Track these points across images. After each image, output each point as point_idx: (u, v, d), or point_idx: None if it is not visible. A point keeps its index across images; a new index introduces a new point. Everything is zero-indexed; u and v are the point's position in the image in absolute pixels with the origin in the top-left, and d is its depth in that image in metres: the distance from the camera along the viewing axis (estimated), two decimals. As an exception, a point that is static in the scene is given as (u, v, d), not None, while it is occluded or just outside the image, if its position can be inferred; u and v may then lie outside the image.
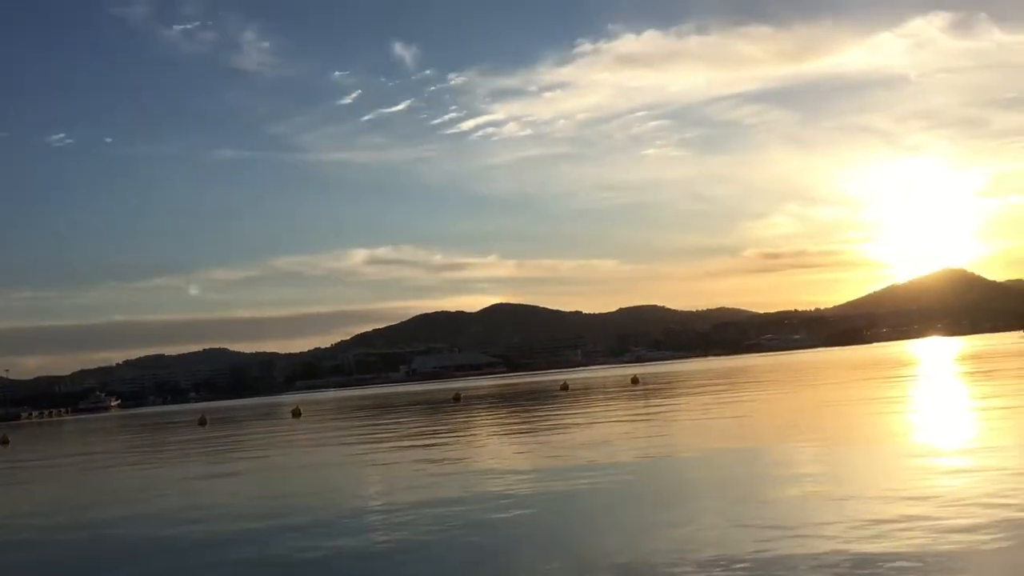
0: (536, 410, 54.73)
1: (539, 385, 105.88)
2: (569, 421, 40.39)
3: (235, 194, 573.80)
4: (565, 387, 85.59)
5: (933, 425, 26.12)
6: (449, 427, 44.97)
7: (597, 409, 49.20)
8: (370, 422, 57.99)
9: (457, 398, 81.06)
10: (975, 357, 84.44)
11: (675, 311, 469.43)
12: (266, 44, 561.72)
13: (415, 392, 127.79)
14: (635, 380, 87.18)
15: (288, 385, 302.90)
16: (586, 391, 77.75)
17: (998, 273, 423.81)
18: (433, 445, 33.57)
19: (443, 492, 18.88)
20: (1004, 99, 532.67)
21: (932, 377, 55.93)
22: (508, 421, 47.14)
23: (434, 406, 73.90)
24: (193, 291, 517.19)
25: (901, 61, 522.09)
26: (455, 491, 18.86)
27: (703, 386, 69.81)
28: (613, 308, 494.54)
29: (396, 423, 53.94)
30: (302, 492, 21.90)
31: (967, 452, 18.86)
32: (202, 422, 74.95)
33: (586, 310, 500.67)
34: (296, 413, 75.78)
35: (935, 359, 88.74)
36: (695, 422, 34.30)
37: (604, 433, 32.10)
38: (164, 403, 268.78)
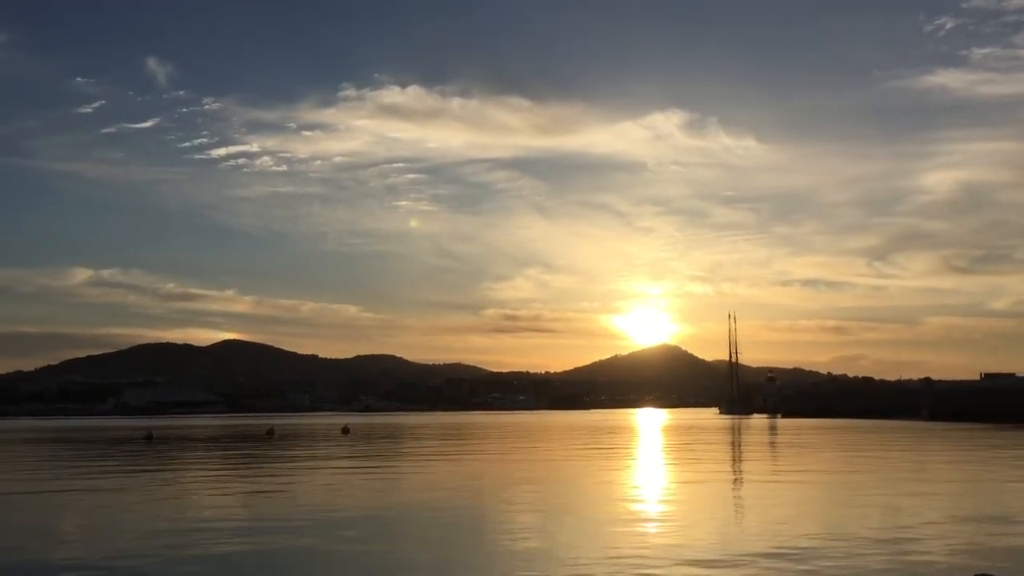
0: (209, 459, 51.97)
1: (247, 429, 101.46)
2: (209, 473, 38.54)
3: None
4: (271, 432, 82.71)
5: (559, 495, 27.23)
6: (99, 469, 41.50)
7: (261, 462, 47.44)
8: (11, 454, 52.56)
9: (149, 437, 76.01)
10: (669, 428, 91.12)
11: (412, 363, 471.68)
12: (1, 36, 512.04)
13: (112, 427, 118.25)
14: (345, 430, 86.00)
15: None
16: (291, 438, 75.36)
17: (707, 352, 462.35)
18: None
19: None
20: (724, 196, 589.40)
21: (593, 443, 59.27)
22: (170, 467, 44.26)
23: (117, 445, 68.53)
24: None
25: (641, 150, 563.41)
26: None
27: (401, 441, 70.12)
28: (350, 355, 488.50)
29: (49, 460, 49.19)
30: None
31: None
32: None
33: (322, 354, 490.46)
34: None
35: (632, 428, 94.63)
36: (333, 479, 33.72)
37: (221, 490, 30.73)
38: None
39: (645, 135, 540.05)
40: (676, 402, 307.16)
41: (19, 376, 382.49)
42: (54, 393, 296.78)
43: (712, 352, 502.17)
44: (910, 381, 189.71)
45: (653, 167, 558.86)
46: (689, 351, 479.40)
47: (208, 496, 27.95)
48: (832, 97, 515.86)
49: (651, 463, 42.22)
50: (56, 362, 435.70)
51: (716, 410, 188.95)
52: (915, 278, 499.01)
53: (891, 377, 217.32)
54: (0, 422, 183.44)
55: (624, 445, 59.83)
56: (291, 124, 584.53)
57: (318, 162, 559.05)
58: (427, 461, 44.72)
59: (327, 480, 33.33)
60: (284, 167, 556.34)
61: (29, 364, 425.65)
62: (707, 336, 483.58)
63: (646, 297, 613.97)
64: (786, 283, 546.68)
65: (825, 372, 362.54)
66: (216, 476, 36.99)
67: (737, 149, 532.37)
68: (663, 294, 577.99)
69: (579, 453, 50.41)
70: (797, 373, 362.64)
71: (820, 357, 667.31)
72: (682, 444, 60.95)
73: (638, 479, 33.12)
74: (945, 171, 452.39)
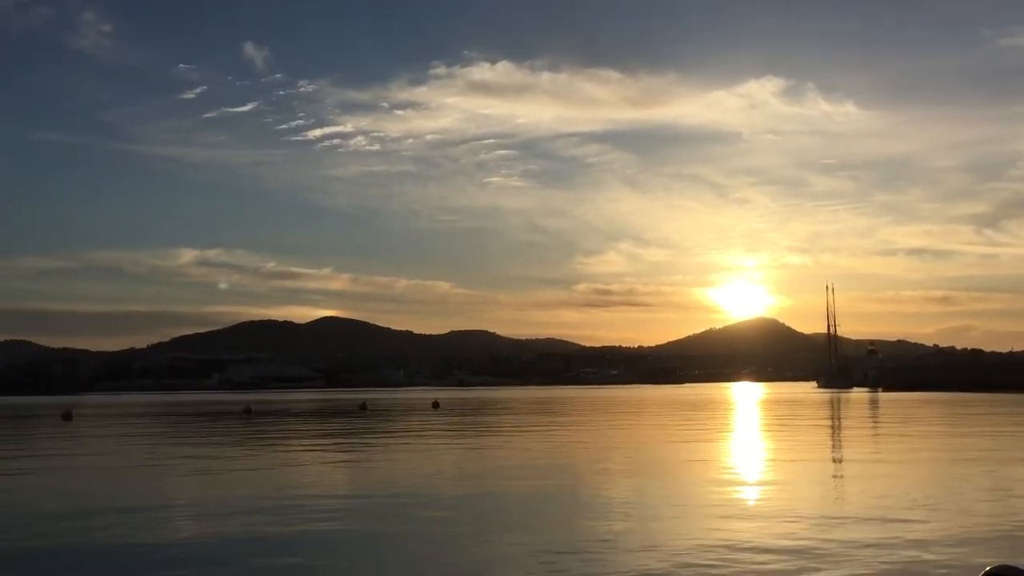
0: (303, 432, 52.96)
1: (341, 404, 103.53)
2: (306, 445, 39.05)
3: (57, 179, 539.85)
4: (364, 407, 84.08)
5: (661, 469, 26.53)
6: (207, 440, 42.63)
7: (352, 435, 48.04)
8: (123, 430, 54.55)
9: (248, 411, 78.13)
10: (765, 402, 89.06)
11: (504, 338, 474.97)
12: (107, 27, 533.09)
13: (215, 401, 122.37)
14: (435, 404, 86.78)
15: (91, 385, 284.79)
16: (383, 412, 76.48)
17: (805, 325, 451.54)
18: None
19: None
20: (824, 164, 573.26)
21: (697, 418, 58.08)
22: (263, 441, 45.17)
23: (219, 418, 70.69)
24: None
25: (735, 119, 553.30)
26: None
27: (494, 415, 70.30)
28: (444, 330, 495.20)
29: (157, 432, 50.88)
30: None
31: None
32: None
33: (416, 330, 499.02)
34: (67, 416, 70.59)
35: (728, 402, 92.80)
36: (408, 456, 33.70)
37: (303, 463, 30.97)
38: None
39: (739, 104, 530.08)
40: (772, 376, 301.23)
41: (132, 353, 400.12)
42: (163, 369, 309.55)
43: (810, 325, 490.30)
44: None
45: (748, 136, 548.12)
46: (786, 324, 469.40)
47: (297, 467, 28.23)
48: (937, 58, 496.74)
49: (748, 439, 41.05)
50: (166, 339, 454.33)
51: (814, 384, 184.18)
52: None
53: (1002, 349, 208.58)
54: (114, 396, 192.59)
55: (719, 420, 58.53)
56: (383, 104, 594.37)
57: (410, 140, 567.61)
58: (516, 435, 44.52)
59: (413, 453, 33.42)
60: (377, 146, 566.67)
61: (141, 341, 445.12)
62: (805, 308, 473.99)
63: (741, 269, 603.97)
64: (889, 253, 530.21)
65: (931, 344, 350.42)
66: (308, 447, 37.51)
67: (836, 115, 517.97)
68: (759, 266, 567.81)
69: (673, 428, 49.46)
70: (901, 346, 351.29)
71: (926, 329, 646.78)
72: (778, 419, 59.27)
73: (736, 456, 32.13)
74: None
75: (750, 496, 20.36)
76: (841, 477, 24.22)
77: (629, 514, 17.41)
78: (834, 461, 28.77)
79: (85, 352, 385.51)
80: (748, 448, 35.38)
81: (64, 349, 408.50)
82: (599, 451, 33.23)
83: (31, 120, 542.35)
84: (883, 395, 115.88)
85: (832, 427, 49.12)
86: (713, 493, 20.32)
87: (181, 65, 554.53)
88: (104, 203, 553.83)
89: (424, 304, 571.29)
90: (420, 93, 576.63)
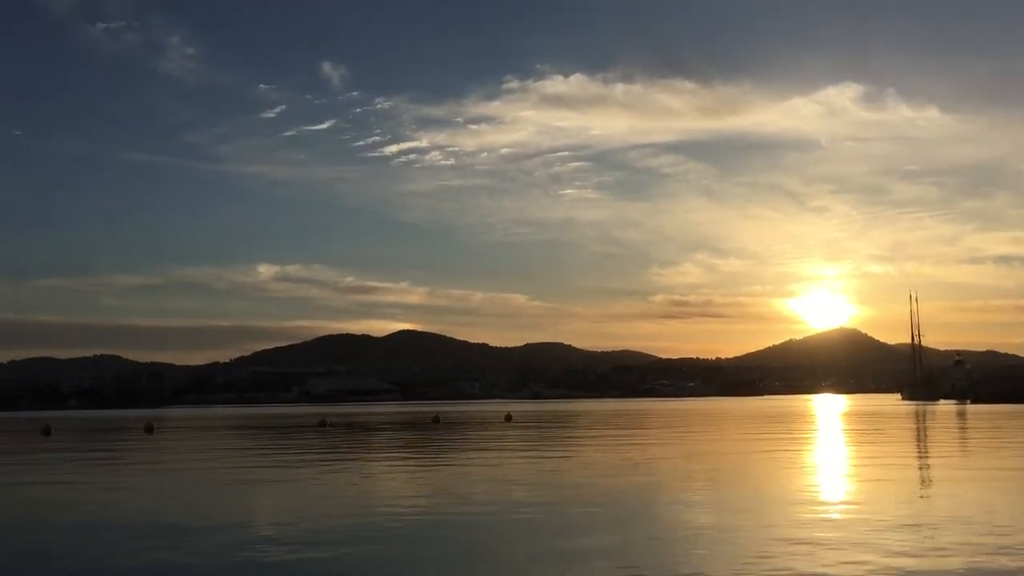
0: (374, 444, 53.12)
1: (415, 416, 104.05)
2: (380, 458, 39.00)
3: (144, 199, 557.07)
4: (436, 420, 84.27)
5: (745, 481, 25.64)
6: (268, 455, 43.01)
7: (422, 448, 47.86)
8: (200, 443, 55.50)
9: (323, 424, 79.06)
10: (847, 415, 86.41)
11: (580, 350, 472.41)
12: (191, 50, 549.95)
13: (293, 414, 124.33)
14: (508, 417, 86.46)
15: (176, 398, 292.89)
16: (455, 425, 76.54)
17: (889, 335, 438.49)
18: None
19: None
20: (905, 170, 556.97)
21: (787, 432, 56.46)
22: (340, 455, 45.38)
23: (296, 431, 71.67)
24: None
25: (813, 126, 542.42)
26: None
27: (566, 427, 69.64)
28: (519, 343, 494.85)
29: (233, 445, 51.64)
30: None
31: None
32: (46, 432, 71.12)
33: (492, 343, 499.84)
34: (149, 429, 72.45)
35: (809, 414, 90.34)
36: (472, 471, 33.25)
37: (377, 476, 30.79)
38: (40, 408, 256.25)
39: (817, 111, 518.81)
40: (855, 387, 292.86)
41: (216, 367, 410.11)
42: (245, 382, 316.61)
43: (894, 335, 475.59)
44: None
45: (827, 144, 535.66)
46: (869, 334, 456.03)
47: (374, 479, 28.14)
48: (1021, 59, 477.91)
49: (832, 454, 39.60)
50: (248, 353, 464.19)
51: (898, 396, 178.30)
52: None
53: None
54: (197, 409, 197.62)
55: (801, 433, 56.80)
56: (458, 119, 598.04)
57: (484, 154, 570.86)
58: (584, 447, 43.83)
59: (483, 467, 33.07)
60: (452, 161, 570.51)
61: (224, 355, 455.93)
62: (888, 318, 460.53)
63: (821, 279, 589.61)
64: (977, 260, 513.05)
65: (1023, 355, 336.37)
66: (378, 459, 37.50)
67: (918, 120, 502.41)
68: (840, 275, 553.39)
69: (752, 442, 48.12)
70: (990, 356, 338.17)
71: (1017, 339, 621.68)
72: (862, 432, 57.23)
73: (822, 472, 30.95)
74: None
75: (832, 516, 19.42)
76: (927, 497, 22.99)
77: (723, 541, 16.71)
78: (921, 479, 27.43)
79: (171, 366, 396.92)
80: (833, 464, 34.06)
81: (151, 363, 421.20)
82: (668, 465, 32.35)
83: (121, 141, 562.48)
84: (971, 407, 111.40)
85: (917, 440, 47.15)
86: (798, 514, 19.43)
87: (262, 85, 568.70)
88: (189, 221, 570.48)
89: (499, 317, 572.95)
90: (494, 107, 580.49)
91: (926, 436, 51.72)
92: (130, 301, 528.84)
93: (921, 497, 22.58)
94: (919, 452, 38.84)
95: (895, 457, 35.94)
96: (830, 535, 16.11)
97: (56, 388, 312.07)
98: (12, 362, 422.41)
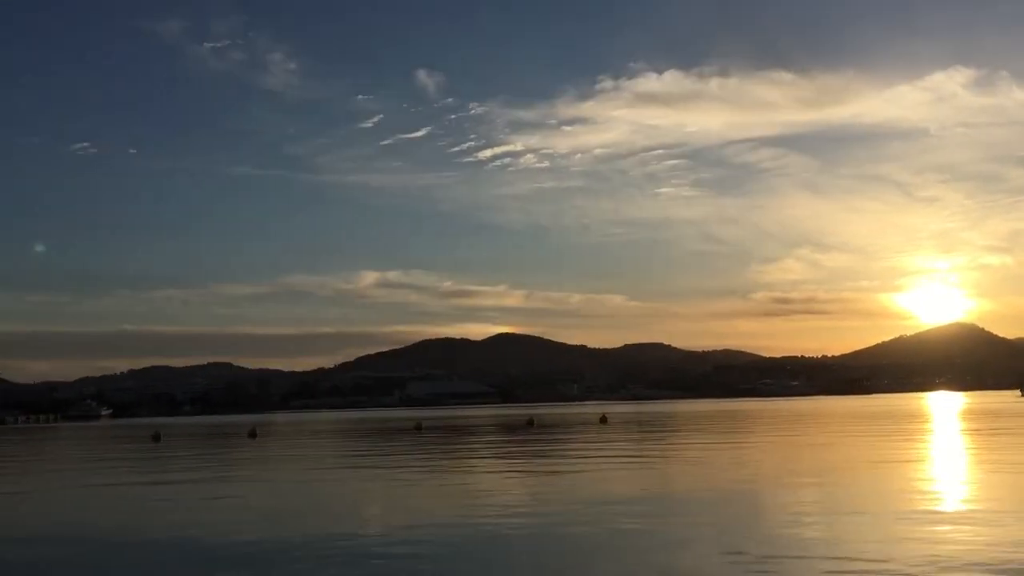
0: (468, 447, 53.19)
1: (511, 419, 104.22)
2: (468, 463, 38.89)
3: (250, 211, 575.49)
4: (531, 422, 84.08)
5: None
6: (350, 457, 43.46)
7: (511, 450, 47.59)
8: (296, 448, 56.60)
9: (419, 427, 79.88)
10: (961, 413, 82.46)
11: (680, 350, 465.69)
12: (293, 65, 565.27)
13: (392, 418, 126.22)
14: (603, 419, 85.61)
15: (283, 403, 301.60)
16: (549, 427, 76.22)
17: (1008, 330, 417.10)
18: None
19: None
20: (1021, 156, 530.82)
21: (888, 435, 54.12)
22: (427, 459, 45.59)
23: (391, 434, 72.64)
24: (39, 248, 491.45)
25: (920, 114, 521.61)
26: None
27: (656, 431, 68.53)
28: (618, 344, 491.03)
29: (328, 450, 52.52)
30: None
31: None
32: (156, 438, 74.07)
33: (591, 344, 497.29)
34: (252, 434, 74.59)
35: (921, 413, 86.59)
36: (541, 481, 32.69)
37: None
38: (157, 415, 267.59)
39: (925, 98, 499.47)
40: (971, 384, 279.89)
41: (320, 373, 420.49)
42: (348, 387, 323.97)
43: (1015, 329, 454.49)
44: None
45: (936, 131, 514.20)
46: (987, 329, 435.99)
47: (438, 484, 28.07)
48: None
49: (945, 456, 37.66)
50: (351, 359, 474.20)
51: (1017, 393, 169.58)
52: None
53: None
54: (303, 414, 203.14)
55: (909, 433, 54.32)
56: (551, 121, 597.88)
57: (578, 155, 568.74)
58: (674, 452, 42.88)
59: (563, 471, 32.64)
60: (547, 163, 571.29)
61: (329, 361, 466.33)
62: (1008, 312, 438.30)
63: (933, 272, 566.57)
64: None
65: None
66: (467, 462, 37.44)
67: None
68: (953, 268, 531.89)
69: (853, 446, 46.24)
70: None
71: None
72: (970, 432, 54.34)
73: (937, 476, 29.41)
74: None
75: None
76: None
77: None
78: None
79: (279, 372, 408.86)
80: (944, 472, 32.35)
81: (260, 370, 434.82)
82: (748, 472, 31.25)
83: (227, 156, 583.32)
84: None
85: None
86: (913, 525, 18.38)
87: (359, 96, 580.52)
88: (294, 232, 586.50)
89: (598, 318, 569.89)
90: (587, 108, 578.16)
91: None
92: (240, 310, 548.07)
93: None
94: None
95: (997, 454, 33.90)
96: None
97: (172, 395, 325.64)
98: (132, 371, 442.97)
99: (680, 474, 29.79)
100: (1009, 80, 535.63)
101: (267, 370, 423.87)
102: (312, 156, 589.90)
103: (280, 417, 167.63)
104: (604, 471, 31.92)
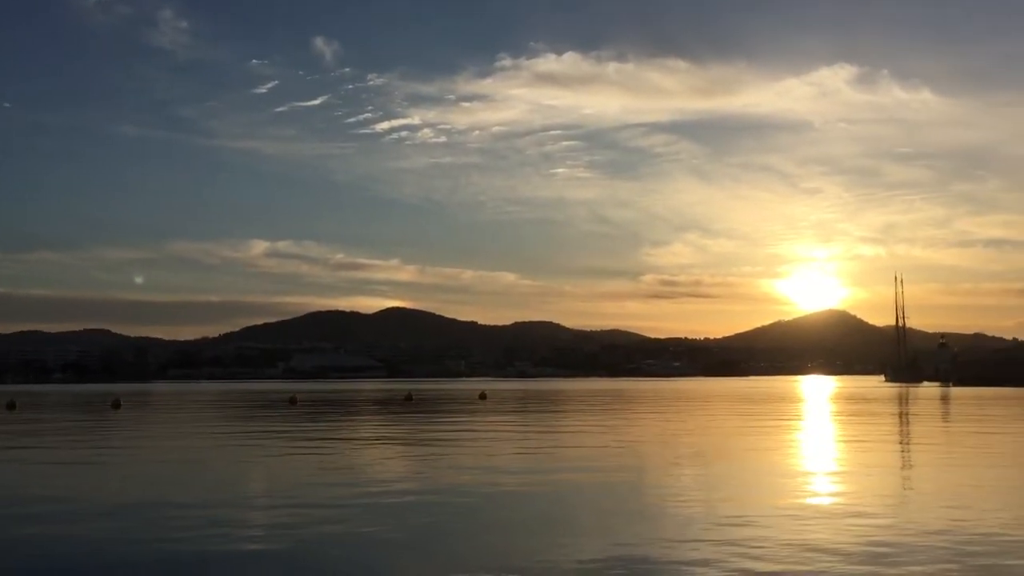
0: (337, 421, 52.27)
1: (391, 393, 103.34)
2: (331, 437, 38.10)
3: (135, 172, 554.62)
4: (409, 398, 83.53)
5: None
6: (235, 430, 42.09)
7: (383, 425, 46.97)
8: (164, 425, 54.64)
9: (293, 401, 78.27)
10: (823, 397, 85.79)
11: (569, 329, 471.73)
12: (184, 24, 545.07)
13: (272, 391, 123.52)
14: (483, 396, 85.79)
15: (161, 373, 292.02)
16: (427, 403, 75.80)
17: (877, 318, 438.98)
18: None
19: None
20: (898, 153, 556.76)
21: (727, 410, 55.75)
22: (301, 432, 44.49)
23: (262, 408, 70.91)
24: (138, 280, 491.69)
25: (806, 108, 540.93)
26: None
27: (534, 407, 68.95)
28: (508, 321, 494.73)
29: (187, 422, 50.74)
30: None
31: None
32: (11, 406, 70.19)
33: (482, 321, 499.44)
34: (116, 405, 71.58)
35: (783, 396, 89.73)
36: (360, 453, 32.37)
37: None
38: (25, 382, 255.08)
39: (810, 92, 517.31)
40: (841, 369, 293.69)
41: (205, 342, 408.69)
42: (231, 358, 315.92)
43: (884, 318, 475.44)
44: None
45: (819, 125, 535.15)
46: (858, 316, 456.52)
47: (284, 458, 27.25)
48: (1015, 43, 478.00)
49: (789, 439, 38.79)
50: (237, 329, 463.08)
51: (882, 378, 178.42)
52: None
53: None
54: (180, 385, 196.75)
55: (764, 413, 56.04)
56: (450, 96, 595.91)
57: (476, 132, 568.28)
58: (542, 431, 43.06)
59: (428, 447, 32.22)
60: (444, 138, 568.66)
61: (214, 331, 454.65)
62: (878, 301, 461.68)
63: (812, 261, 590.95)
64: (967, 244, 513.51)
65: (1010, 338, 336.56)
66: (328, 437, 36.54)
67: (912, 103, 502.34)
68: (831, 257, 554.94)
69: (708, 425, 47.37)
70: (979, 339, 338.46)
71: (1005, 322, 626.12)
72: (832, 414, 56.47)
73: (800, 462, 30.10)
74: None
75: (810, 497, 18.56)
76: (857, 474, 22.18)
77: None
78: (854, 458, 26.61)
79: (159, 341, 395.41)
80: (781, 451, 33.26)
81: (140, 338, 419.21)
82: (591, 455, 31.48)
83: (111, 114, 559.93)
84: (954, 390, 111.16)
85: (871, 423, 46.43)
86: (775, 496, 18.58)
87: (254, 60, 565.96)
88: (180, 196, 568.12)
89: (490, 295, 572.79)
90: (486, 85, 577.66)
91: (898, 418, 51.06)
92: (121, 275, 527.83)
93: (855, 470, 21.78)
94: (865, 432, 38.06)
95: (840, 438, 35.20)
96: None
97: (43, 362, 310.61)
98: (1, 335, 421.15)
99: (526, 453, 29.73)
100: (889, 79, 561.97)
101: (147, 338, 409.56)
102: (202, 119, 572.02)
103: (157, 387, 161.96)
104: (457, 450, 31.62)
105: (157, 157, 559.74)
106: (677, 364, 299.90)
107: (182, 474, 24.59)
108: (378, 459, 28.44)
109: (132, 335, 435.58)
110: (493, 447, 32.38)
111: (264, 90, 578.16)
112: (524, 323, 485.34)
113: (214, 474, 24.31)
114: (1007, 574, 11.83)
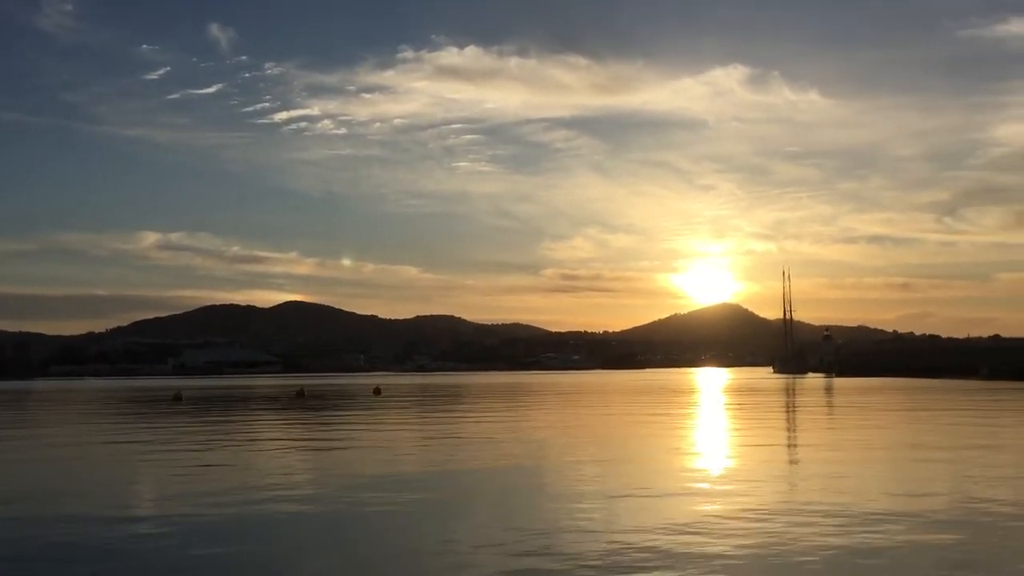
0: (220, 419, 50.66)
1: (283, 389, 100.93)
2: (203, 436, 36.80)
3: (18, 159, 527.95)
4: (301, 393, 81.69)
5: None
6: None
7: (272, 423, 45.76)
8: (24, 427, 51.96)
9: (178, 398, 75.54)
10: (710, 388, 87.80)
11: (471, 323, 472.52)
12: (69, 6, 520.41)
13: (157, 387, 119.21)
14: (377, 391, 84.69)
15: (44, 370, 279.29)
16: (319, 399, 74.27)
17: (769, 311, 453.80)
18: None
19: None
20: (788, 152, 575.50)
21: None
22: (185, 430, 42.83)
23: (143, 405, 68.22)
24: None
25: (701, 106, 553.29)
26: None
27: (424, 403, 68.46)
28: (410, 315, 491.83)
29: (56, 421, 48.34)
30: None
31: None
32: None
33: (382, 315, 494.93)
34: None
35: (671, 388, 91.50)
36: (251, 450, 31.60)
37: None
38: None
39: (705, 91, 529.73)
40: (733, 361, 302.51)
41: (91, 337, 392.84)
42: (119, 354, 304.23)
43: (774, 311, 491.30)
44: (979, 339, 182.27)
45: (714, 124, 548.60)
46: (750, 310, 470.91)
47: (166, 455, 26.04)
48: (900, 48, 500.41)
49: (662, 435, 39.28)
50: (126, 323, 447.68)
51: (770, 369, 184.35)
52: (986, 233, 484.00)
53: (960, 335, 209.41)
54: (62, 382, 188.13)
55: (652, 409, 56.90)
56: (350, 87, 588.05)
57: (377, 124, 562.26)
58: (433, 423, 42.57)
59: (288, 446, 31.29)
60: (344, 130, 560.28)
61: (101, 325, 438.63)
62: (768, 294, 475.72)
63: (707, 255, 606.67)
64: (851, 240, 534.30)
65: (891, 330, 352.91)
66: (212, 437, 35.17)
67: (801, 104, 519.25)
68: (724, 252, 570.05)
69: (581, 420, 47.69)
70: (861, 331, 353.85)
71: (886, 315, 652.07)
72: (717, 406, 57.76)
73: (693, 450, 30.29)
74: (1018, 123, 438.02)
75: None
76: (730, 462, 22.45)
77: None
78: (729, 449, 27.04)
79: (42, 336, 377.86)
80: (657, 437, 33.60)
81: (20, 332, 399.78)
82: (466, 449, 31.24)
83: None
84: (836, 380, 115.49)
85: (755, 414, 47.61)
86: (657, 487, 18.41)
87: (144, 46, 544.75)
88: (66, 185, 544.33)
89: (391, 289, 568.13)
90: (388, 77, 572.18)
91: (779, 409, 52.46)
92: (2, 267, 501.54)
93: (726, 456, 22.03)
94: (741, 420, 38.94)
95: (739, 430, 35.84)
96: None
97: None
98: None
99: (408, 452, 29.21)
100: (780, 80, 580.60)
101: (28, 333, 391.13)
102: (90, 105, 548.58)
103: (37, 385, 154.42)
104: (336, 448, 30.86)
105: (42, 144, 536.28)
106: (576, 357, 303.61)
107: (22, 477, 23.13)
108: (225, 461, 27.41)
109: (12, 330, 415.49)
110: (362, 454, 31.68)
111: (155, 76, 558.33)
112: (425, 317, 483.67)
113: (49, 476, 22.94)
114: (881, 544, 12.23)
